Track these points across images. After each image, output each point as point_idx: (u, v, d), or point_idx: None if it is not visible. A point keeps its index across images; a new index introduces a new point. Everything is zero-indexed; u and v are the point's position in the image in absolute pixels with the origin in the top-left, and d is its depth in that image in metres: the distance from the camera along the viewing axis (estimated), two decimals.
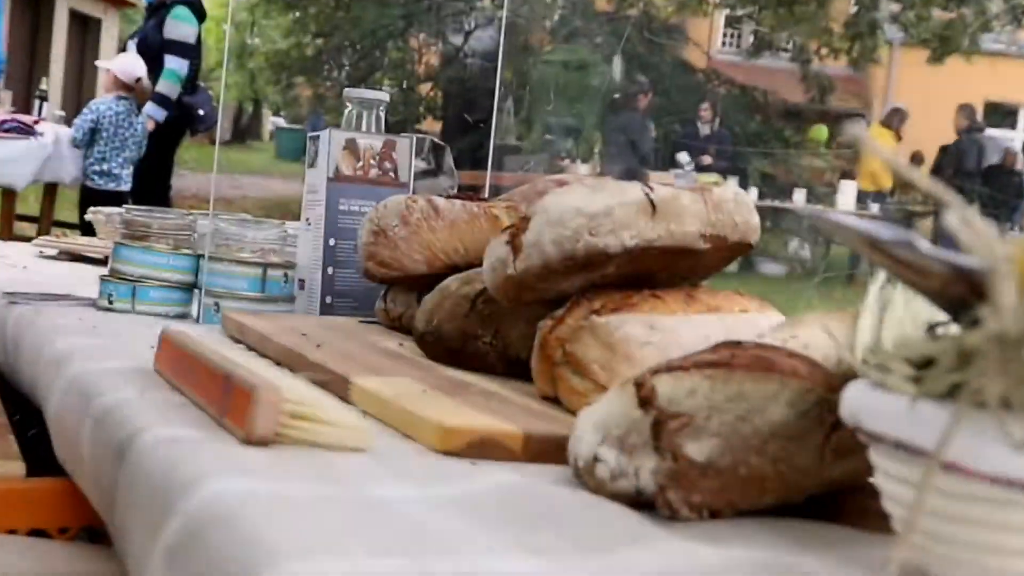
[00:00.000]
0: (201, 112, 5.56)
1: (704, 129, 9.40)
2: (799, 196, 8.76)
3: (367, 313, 1.32)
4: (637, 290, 0.83)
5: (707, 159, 8.66)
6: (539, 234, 0.81)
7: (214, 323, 1.26)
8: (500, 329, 0.95)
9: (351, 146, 1.35)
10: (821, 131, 10.52)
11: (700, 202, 0.85)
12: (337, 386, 0.87)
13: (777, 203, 8.62)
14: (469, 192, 1.33)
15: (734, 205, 0.88)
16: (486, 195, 1.55)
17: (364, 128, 1.40)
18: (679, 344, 0.78)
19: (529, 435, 0.72)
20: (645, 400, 0.62)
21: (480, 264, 0.91)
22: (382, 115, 1.41)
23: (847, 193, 8.89)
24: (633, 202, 0.82)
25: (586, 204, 0.81)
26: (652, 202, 0.82)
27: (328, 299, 1.33)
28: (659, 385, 0.62)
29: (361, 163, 1.36)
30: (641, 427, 0.61)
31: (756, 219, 0.90)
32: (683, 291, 0.84)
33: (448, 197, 1.23)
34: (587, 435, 0.64)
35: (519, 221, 0.86)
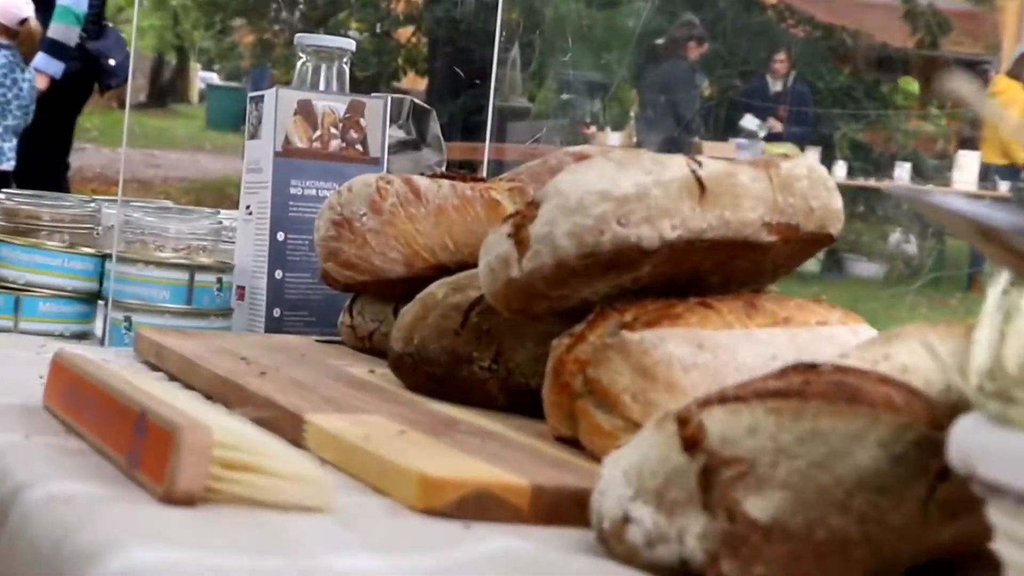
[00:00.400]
0: (112, 62, 5.55)
1: (775, 84, 9.36)
2: (902, 172, 8.73)
3: (327, 330, 1.32)
4: (681, 297, 0.84)
5: (776, 124, 8.60)
6: (551, 224, 0.82)
7: (124, 345, 1.27)
8: (501, 350, 0.96)
9: (305, 110, 1.36)
10: (909, 83, 10.45)
11: (764, 180, 0.86)
12: (287, 426, 0.87)
13: (873, 181, 8.60)
14: (461, 170, 1.33)
15: (808, 184, 0.88)
16: (483, 173, 1.56)
17: (322, 86, 1.41)
18: (736, 367, 0.79)
19: (539, 488, 0.72)
20: (691, 441, 0.62)
21: (475, 265, 0.92)
22: (346, 69, 1.42)
23: (967, 168, 8.85)
24: (675, 181, 0.82)
25: (613, 184, 0.82)
26: (700, 180, 0.83)
27: (276, 312, 1.34)
28: (709, 421, 0.62)
29: (319, 132, 1.36)
30: (685, 477, 0.61)
31: (838, 202, 0.90)
32: (742, 298, 0.85)
33: (433, 176, 1.24)
34: (615, 488, 0.64)
35: (525, 207, 0.86)
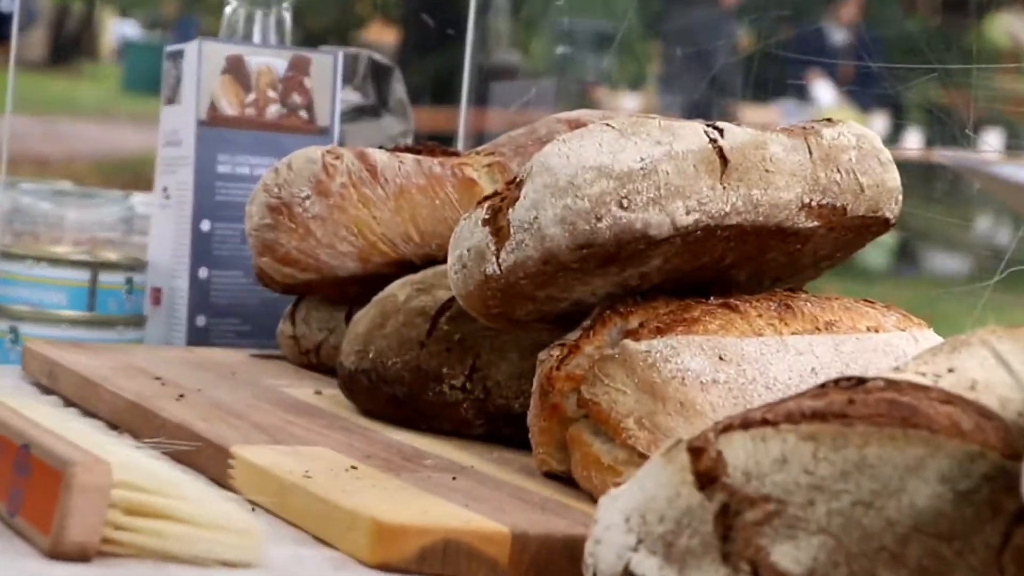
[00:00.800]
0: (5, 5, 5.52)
1: (836, 35, 9.29)
2: (992, 140, 8.69)
3: (264, 342, 1.32)
4: (699, 298, 0.84)
5: (824, 85, 8.51)
6: (537, 207, 0.82)
7: (10, 362, 1.27)
8: (478, 365, 0.96)
9: (236, 67, 1.36)
10: (999, 25, 10.35)
11: (802, 151, 0.86)
12: (210, 461, 0.87)
13: (952, 151, 8.55)
14: (431, 142, 1.33)
15: (857, 155, 0.88)
16: (459, 145, 1.56)
17: (258, 38, 1.41)
18: (766, 384, 0.79)
19: (522, 536, 0.72)
20: (706, 475, 0.62)
21: (444, 259, 0.92)
22: (287, 16, 1.42)
23: None
24: (690, 153, 0.82)
25: (614, 157, 0.82)
26: (721, 152, 0.83)
27: (200, 320, 1.34)
28: (729, 451, 0.62)
29: (253, 96, 1.37)
30: (700, 520, 0.61)
31: (895, 178, 0.91)
32: (775, 298, 0.85)
33: (395, 150, 1.24)
34: (614, 535, 0.64)
35: (506, 187, 0.86)
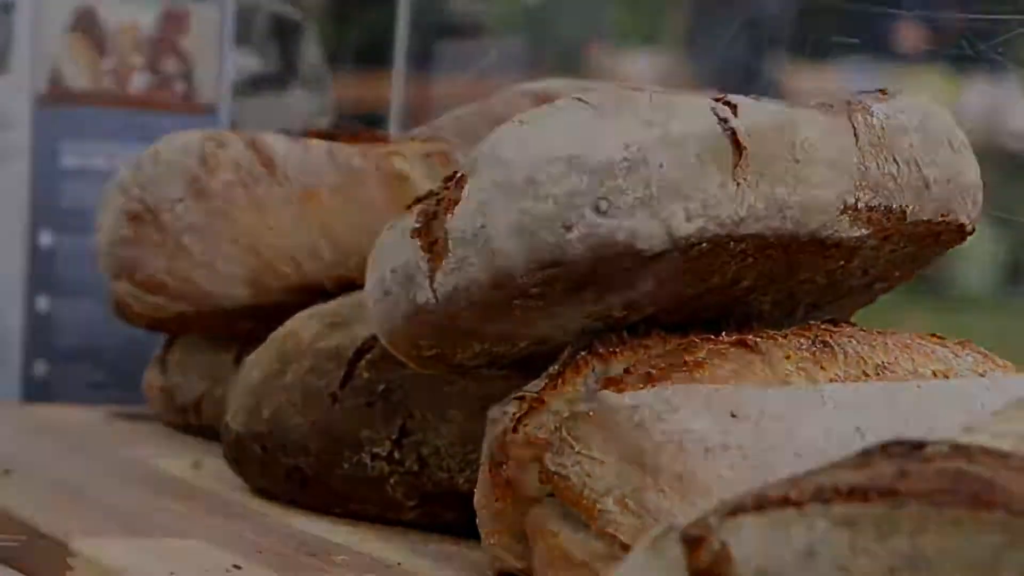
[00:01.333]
0: None
1: None
2: None
3: (127, 395, 1.32)
4: (705, 334, 0.84)
5: (906, 34, 8.51)
6: (485, 213, 0.82)
7: None
8: (409, 427, 0.96)
9: (87, 23, 1.36)
10: None
11: (845, 134, 0.86)
12: (43, 561, 0.87)
13: None
14: (353, 123, 1.33)
15: (922, 140, 0.88)
16: (389, 128, 1.56)
17: None
18: (795, 451, 0.79)
19: None
20: (707, 575, 0.63)
21: (363, 283, 0.92)
22: None
23: None
24: (692, 137, 0.82)
25: (589, 144, 0.82)
26: (735, 136, 0.83)
27: (40, 368, 1.34)
28: (737, 541, 0.62)
29: (111, 61, 1.37)
30: None
31: (972, 168, 0.91)
32: (808, 333, 0.85)
33: (305, 135, 1.24)
34: None
35: (444, 185, 0.87)
